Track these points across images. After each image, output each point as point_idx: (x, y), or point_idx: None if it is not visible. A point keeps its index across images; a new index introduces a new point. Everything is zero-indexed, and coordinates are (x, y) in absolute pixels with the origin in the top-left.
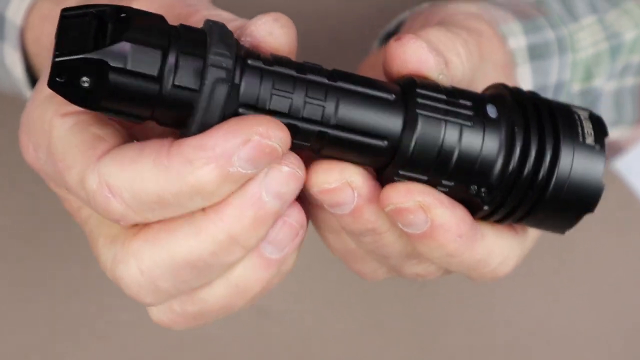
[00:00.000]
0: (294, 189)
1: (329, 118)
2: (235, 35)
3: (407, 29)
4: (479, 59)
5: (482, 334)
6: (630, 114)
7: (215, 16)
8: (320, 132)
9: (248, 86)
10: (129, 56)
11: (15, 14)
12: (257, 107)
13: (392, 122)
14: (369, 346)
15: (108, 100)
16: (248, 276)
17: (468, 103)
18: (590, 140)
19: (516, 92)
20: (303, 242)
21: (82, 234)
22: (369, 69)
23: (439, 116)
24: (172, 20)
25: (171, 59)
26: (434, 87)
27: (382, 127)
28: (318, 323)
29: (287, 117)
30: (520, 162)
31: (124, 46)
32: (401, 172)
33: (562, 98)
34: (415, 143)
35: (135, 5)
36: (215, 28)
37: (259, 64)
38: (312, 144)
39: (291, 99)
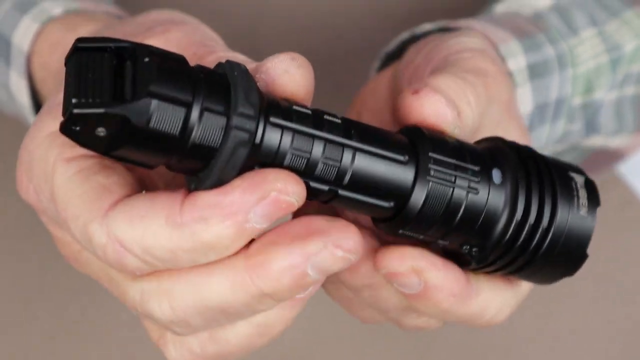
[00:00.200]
0: (339, 269)
1: (341, 178)
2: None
3: (410, 64)
4: (487, 103)
5: (482, 334)
6: (631, 123)
7: (232, 58)
8: (331, 190)
9: (268, 144)
10: (153, 114)
11: (23, 40)
12: (274, 164)
13: (401, 186)
14: (369, 346)
15: (123, 150)
16: (273, 316)
17: (476, 168)
18: (584, 211)
19: (516, 150)
20: None
21: None
22: (370, 95)
23: (447, 184)
24: (189, 60)
25: (194, 115)
26: (445, 148)
27: (392, 190)
28: (318, 323)
29: (302, 174)
30: (516, 231)
31: (148, 103)
32: (401, 231)
33: (563, 112)
34: (421, 209)
35: (152, 42)
36: (240, 79)
37: (280, 120)
38: (320, 198)
39: (308, 158)
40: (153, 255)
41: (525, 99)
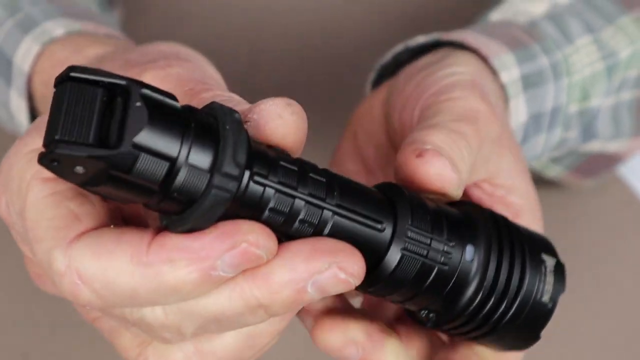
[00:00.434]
0: (337, 291)
1: (318, 236)
2: (242, 116)
3: (401, 93)
4: (478, 149)
5: None
6: (628, 127)
7: (227, 100)
8: None
9: (249, 197)
10: (135, 164)
11: (24, 60)
12: (252, 217)
13: (375, 250)
14: None
15: (100, 188)
16: (261, 327)
17: (451, 243)
18: (546, 297)
19: (493, 222)
20: None
21: None
22: (366, 116)
23: (419, 257)
24: (184, 96)
25: (177, 169)
26: (424, 216)
27: (365, 252)
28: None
29: (277, 230)
30: (479, 305)
31: (133, 154)
32: (370, 290)
33: (559, 121)
34: (390, 276)
35: (149, 77)
36: (230, 132)
37: (263, 179)
38: None
39: (286, 216)
40: (112, 291)
41: (519, 110)
